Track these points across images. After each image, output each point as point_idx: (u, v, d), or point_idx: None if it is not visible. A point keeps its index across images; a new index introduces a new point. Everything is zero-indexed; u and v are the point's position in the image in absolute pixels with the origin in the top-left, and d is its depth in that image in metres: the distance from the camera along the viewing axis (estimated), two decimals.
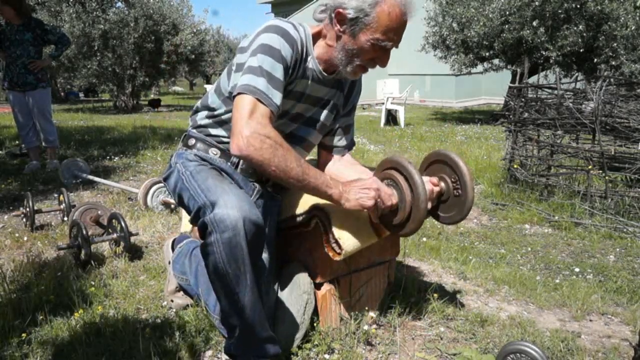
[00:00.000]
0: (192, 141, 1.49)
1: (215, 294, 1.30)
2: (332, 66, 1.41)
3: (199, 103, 1.54)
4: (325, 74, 1.44)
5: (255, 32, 1.34)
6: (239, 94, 1.25)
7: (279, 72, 1.28)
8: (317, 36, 1.42)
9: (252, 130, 1.19)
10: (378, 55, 1.36)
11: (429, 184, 1.40)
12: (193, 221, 1.30)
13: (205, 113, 1.50)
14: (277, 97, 1.27)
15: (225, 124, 1.45)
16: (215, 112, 1.46)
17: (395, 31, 1.31)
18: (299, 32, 1.36)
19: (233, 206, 1.15)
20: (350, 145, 1.67)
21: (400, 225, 1.37)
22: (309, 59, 1.40)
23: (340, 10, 1.31)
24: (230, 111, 1.39)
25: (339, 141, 1.64)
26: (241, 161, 1.47)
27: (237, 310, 1.24)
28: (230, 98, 1.36)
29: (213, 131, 1.48)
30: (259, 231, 1.19)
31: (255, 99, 1.23)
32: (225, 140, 1.46)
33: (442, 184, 1.44)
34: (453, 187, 1.42)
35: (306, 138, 1.52)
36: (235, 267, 1.18)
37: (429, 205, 1.36)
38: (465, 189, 1.39)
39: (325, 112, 1.52)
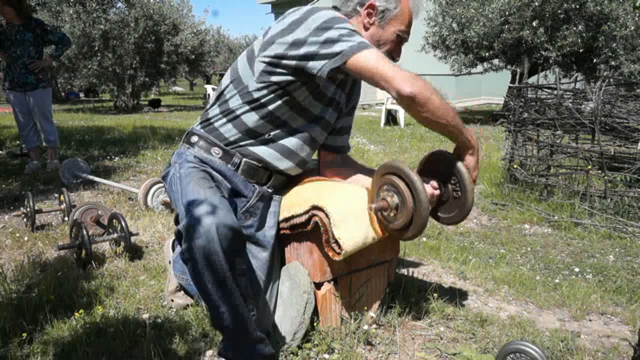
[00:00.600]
0: (194, 138, 1.49)
1: (202, 298, 1.31)
2: None
3: (212, 97, 1.53)
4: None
5: (297, 17, 1.32)
6: (353, 55, 1.24)
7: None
8: None
9: (405, 72, 1.23)
10: (396, 48, 1.44)
11: (429, 188, 1.40)
12: (176, 225, 1.31)
13: (217, 109, 1.47)
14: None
15: (237, 118, 1.43)
16: (230, 106, 1.43)
17: (411, 24, 1.42)
18: None
19: (207, 213, 1.15)
20: (349, 146, 1.68)
21: (401, 230, 1.38)
22: None
23: (373, 2, 1.37)
24: (246, 103, 1.39)
25: (340, 141, 1.64)
26: (242, 162, 1.46)
27: (222, 314, 1.24)
28: (257, 82, 1.36)
29: (221, 129, 1.45)
30: (235, 236, 1.18)
31: (374, 50, 1.26)
32: (231, 139, 1.45)
33: (441, 186, 1.44)
34: (452, 188, 1.43)
35: (313, 136, 1.51)
36: (214, 273, 1.18)
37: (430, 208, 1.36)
38: (465, 191, 1.39)
39: (330, 111, 1.52)
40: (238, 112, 1.43)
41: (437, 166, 1.46)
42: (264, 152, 1.46)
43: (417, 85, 1.21)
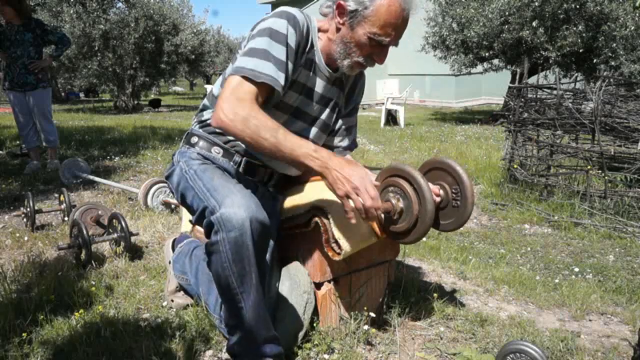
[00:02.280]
0: (194, 139, 1.49)
1: (218, 293, 1.30)
2: (333, 61, 1.41)
3: (205, 101, 1.54)
4: (330, 71, 1.43)
5: (263, 17, 1.34)
6: (229, 75, 1.27)
7: (279, 52, 1.27)
8: (320, 31, 1.42)
9: (229, 104, 1.20)
10: (375, 51, 1.35)
11: (434, 190, 1.39)
12: (198, 220, 1.30)
13: (210, 112, 1.49)
14: (270, 70, 1.24)
15: None
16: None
17: (393, 27, 1.30)
18: (306, 20, 1.37)
19: (240, 205, 1.16)
20: (351, 146, 1.67)
21: (403, 233, 1.37)
22: (313, 50, 1.40)
23: (342, 2, 1.31)
24: None
25: (340, 142, 1.63)
26: (243, 161, 1.47)
27: (240, 310, 1.24)
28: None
29: (219, 131, 1.47)
30: (265, 231, 1.20)
31: (241, 77, 1.23)
32: (230, 138, 1.46)
33: (442, 193, 1.42)
34: (453, 197, 1.41)
35: (310, 138, 1.51)
36: (241, 267, 1.18)
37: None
38: (465, 201, 1.38)
39: (327, 111, 1.52)
40: None
41: (439, 172, 1.44)
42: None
43: (228, 120, 1.19)
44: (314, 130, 1.51)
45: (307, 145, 1.21)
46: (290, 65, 1.30)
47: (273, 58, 1.26)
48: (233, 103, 1.20)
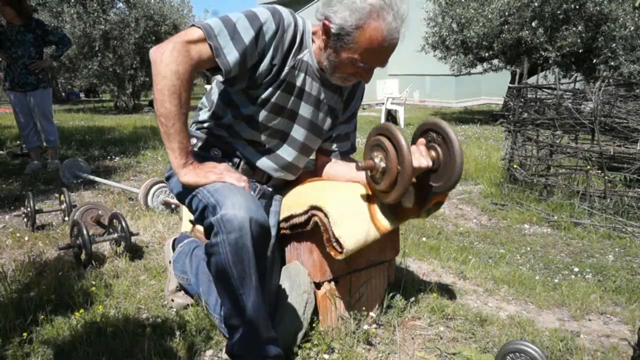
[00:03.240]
0: (193, 140, 1.49)
1: (218, 295, 1.30)
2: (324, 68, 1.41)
3: (203, 99, 1.54)
4: (324, 73, 1.43)
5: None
6: (194, 25, 1.24)
7: (247, 35, 1.25)
8: (315, 34, 1.41)
9: (174, 52, 1.17)
10: (359, 71, 1.35)
11: (420, 156, 1.33)
12: (198, 221, 1.30)
13: (207, 114, 1.49)
14: (231, 52, 1.24)
15: (226, 126, 1.45)
16: (216, 114, 1.47)
17: (375, 55, 1.29)
18: (297, 21, 1.36)
19: (240, 207, 1.16)
20: (349, 152, 1.67)
21: (385, 191, 1.36)
22: (305, 51, 1.39)
23: (326, 22, 1.29)
24: (222, 117, 1.42)
25: (338, 147, 1.62)
26: (242, 162, 1.48)
27: (240, 311, 1.24)
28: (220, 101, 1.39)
29: (215, 131, 1.48)
30: (265, 232, 1.20)
31: (204, 33, 1.21)
32: (228, 140, 1.46)
33: (433, 154, 1.37)
34: (442, 154, 1.35)
35: (304, 142, 1.51)
36: (241, 268, 1.18)
37: (421, 164, 1.32)
38: (453, 161, 1.32)
39: (322, 115, 1.51)
40: (224, 121, 1.45)
41: (433, 133, 1.39)
42: (251, 153, 1.48)
43: (160, 62, 1.17)
44: (303, 132, 1.49)
45: (185, 142, 1.24)
46: (253, 53, 1.28)
47: (239, 40, 1.24)
48: (177, 55, 1.18)
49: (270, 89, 1.37)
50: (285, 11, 1.34)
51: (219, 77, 1.31)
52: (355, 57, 1.29)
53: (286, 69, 1.36)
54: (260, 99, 1.38)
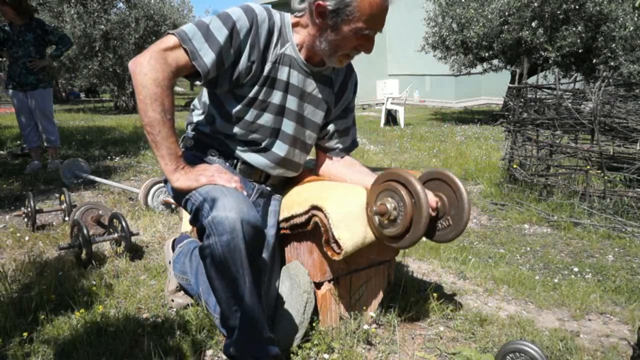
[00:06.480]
0: (190, 142, 1.50)
1: (214, 296, 1.31)
2: (316, 55, 1.40)
3: (195, 101, 1.55)
4: (310, 65, 1.42)
5: None
6: (169, 33, 1.26)
7: (221, 35, 1.26)
8: (296, 25, 1.40)
9: (151, 61, 1.20)
10: (361, 42, 1.34)
11: (432, 198, 1.38)
12: (192, 222, 1.30)
13: (200, 116, 1.50)
14: (207, 53, 1.25)
15: (218, 127, 1.45)
16: (208, 116, 1.48)
17: (377, 19, 1.30)
18: (272, 15, 1.36)
19: (231, 208, 1.15)
20: (350, 148, 1.66)
21: (396, 237, 1.38)
22: (287, 45, 1.38)
23: (320, 2, 1.28)
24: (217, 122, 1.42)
25: (337, 144, 1.62)
26: (239, 162, 1.48)
27: (235, 312, 1.24)
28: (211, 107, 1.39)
29: (210, 132, 1.48)
30: (258, 233, 1.20)
31: (179, 39, 1.23)
32: (223, 141, 1.46)
33: (439, 204, 1.42)
34: (448, 209, 1.40)
35: (295, 135, 1.49)
36: (234, 270, 1.18)
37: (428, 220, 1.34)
38: (461, 214, 1.37)
39: (311, 107, 1.49)
40: (217, 125, 1.45)
41: (438, 182, 1.44)
42: (249, 155, 1.48)
43: (140, 73, 1.20)
44: (293, 125, 1.48)
45: (174, 146, 1.28)
46: (229, 52, 1.29)
47: (214, 40, 1.26)
48: (155, 63, 1.20)
49: (256, 87, 1.37)
50: (258, 7, 1.34)
51: (198, 82, 1.32)
52: (359, 25, 1.29)
53: (268, 64, 1.36)
54: (247, 98, 1.38)
